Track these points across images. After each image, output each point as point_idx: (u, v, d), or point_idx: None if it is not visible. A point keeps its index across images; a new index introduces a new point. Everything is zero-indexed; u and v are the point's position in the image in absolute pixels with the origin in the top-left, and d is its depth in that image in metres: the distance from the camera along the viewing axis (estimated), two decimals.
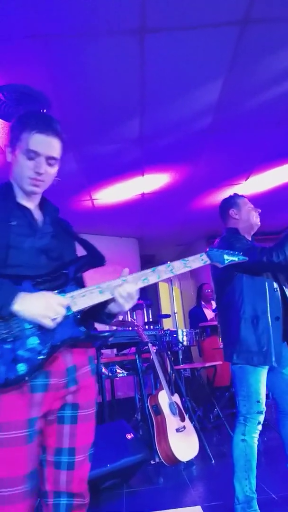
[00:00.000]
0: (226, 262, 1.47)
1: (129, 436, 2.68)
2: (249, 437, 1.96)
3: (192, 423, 3.25)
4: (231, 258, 1.50)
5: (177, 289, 7.14)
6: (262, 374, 2.01)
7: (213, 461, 3.06)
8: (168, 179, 4.41)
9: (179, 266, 1.35)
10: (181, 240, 6.76)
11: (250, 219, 2.24)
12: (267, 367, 2.03)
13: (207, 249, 1.46)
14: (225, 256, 1.48)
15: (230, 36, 2.49)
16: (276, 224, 5.87)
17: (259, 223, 2.26)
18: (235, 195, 2.35)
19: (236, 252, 1.51)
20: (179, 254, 7.17)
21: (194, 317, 5.30)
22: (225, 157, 4.08)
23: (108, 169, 4.05)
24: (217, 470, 2.97)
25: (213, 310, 4.99)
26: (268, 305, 2.02)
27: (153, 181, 4.42)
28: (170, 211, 5.40)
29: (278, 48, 2.64)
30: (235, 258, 1.50)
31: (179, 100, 3.08)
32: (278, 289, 2.08)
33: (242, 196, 2.33)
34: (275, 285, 2.09)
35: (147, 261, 6.62)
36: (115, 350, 4.47)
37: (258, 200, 5.10)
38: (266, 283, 2.06)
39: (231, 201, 2.30)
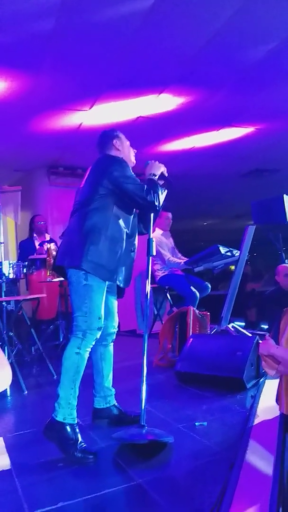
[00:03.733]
0: None
1: None
2: (84, 351, 2.02)
3: (9, 356, 3.11)
4: None
5: (11, 221, 6.63)
6: (103, 292, 2.10)
7: (26, 392, 3.01)
8: (3, 86, 3.80)
9: None
10: (19, 165, 6.17)
11: (130, 154, 2.32)
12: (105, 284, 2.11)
13: None
14: None
15: None
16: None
17: (135, 162, 2.33)
18: (116, 129, 2.37)
19: None
20: (18, 180, 6.56)
21: (23, 249, 5.02)
22: (69, 75, 3.70)
23: None
24: (28, 401, 2.93)
25: (48, 241, 4.78)
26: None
27: None
28: (5, 128, 4.76)
29: None
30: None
31: None
32: None
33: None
34: None
35: None
36: None
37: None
38: None
39: (113, 133, 2.32)
